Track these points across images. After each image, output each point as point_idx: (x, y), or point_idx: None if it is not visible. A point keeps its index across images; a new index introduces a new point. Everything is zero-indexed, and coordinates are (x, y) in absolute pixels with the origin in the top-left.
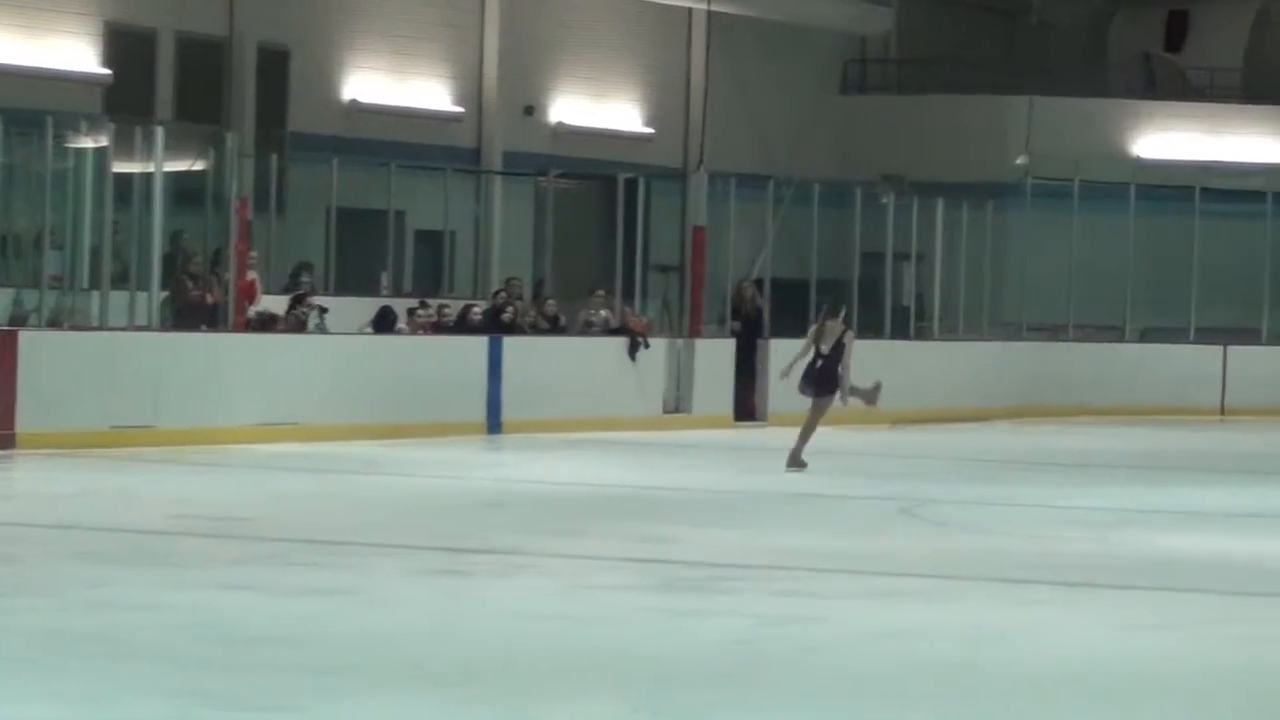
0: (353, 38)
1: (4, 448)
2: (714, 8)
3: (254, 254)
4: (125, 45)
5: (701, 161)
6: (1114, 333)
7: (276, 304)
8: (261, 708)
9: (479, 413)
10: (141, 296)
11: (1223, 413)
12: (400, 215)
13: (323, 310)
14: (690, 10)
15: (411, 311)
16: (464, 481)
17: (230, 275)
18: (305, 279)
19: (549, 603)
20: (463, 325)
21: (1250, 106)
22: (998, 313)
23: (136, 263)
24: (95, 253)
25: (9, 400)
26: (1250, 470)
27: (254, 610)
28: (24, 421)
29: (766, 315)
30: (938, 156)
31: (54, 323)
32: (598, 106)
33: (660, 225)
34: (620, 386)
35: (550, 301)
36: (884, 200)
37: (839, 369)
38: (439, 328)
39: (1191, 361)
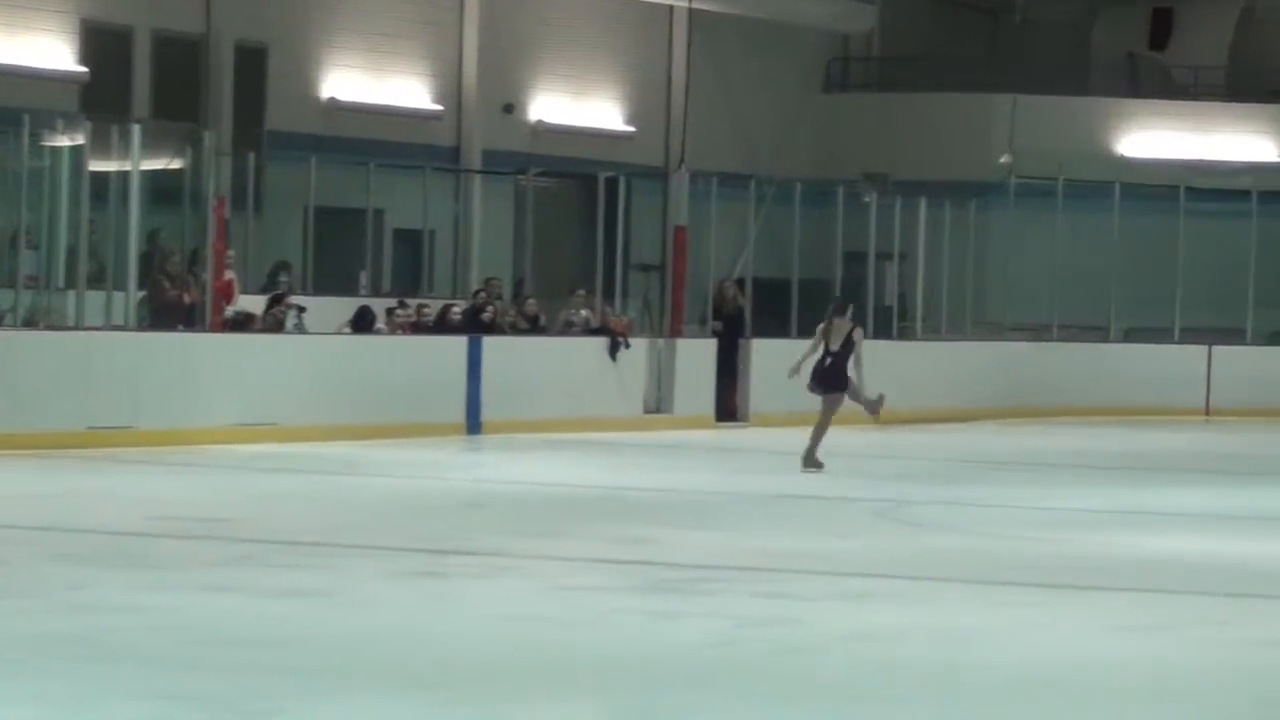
0: (331, 35)
1: None
2: (695, 5)
3: (231, 253)
4: (102, 43)
5: (683, 160)
6: (1098, 333)
7: (254, 304)
8: (243, 709)
9: (458, 413)
10: (118, 296)
11: (1207, 413)
12: (379, 214)
13: (301, 310)
14: (671, 8)
15: (390, 311)
16: (444, 482)
17: (208, 275)
18: (283, 278)
19: (529, 604)
20: (442, 325)
21: (1235, 105)
22: (981, 313)
23: (113, 262)
24: (71, 252)
25: None
26: (1235, 471)
27: (234, 612)
28: (0, 423)
29: (748, 315)
30: (921, 155)
31: (30, 323)
32: (578, 105)
33: (641, 224)
34: (601, 387)
35: (530, 301)
36: (866, 199)
37: (849, 366)
38: (418, 327)
39: (1176, 362)
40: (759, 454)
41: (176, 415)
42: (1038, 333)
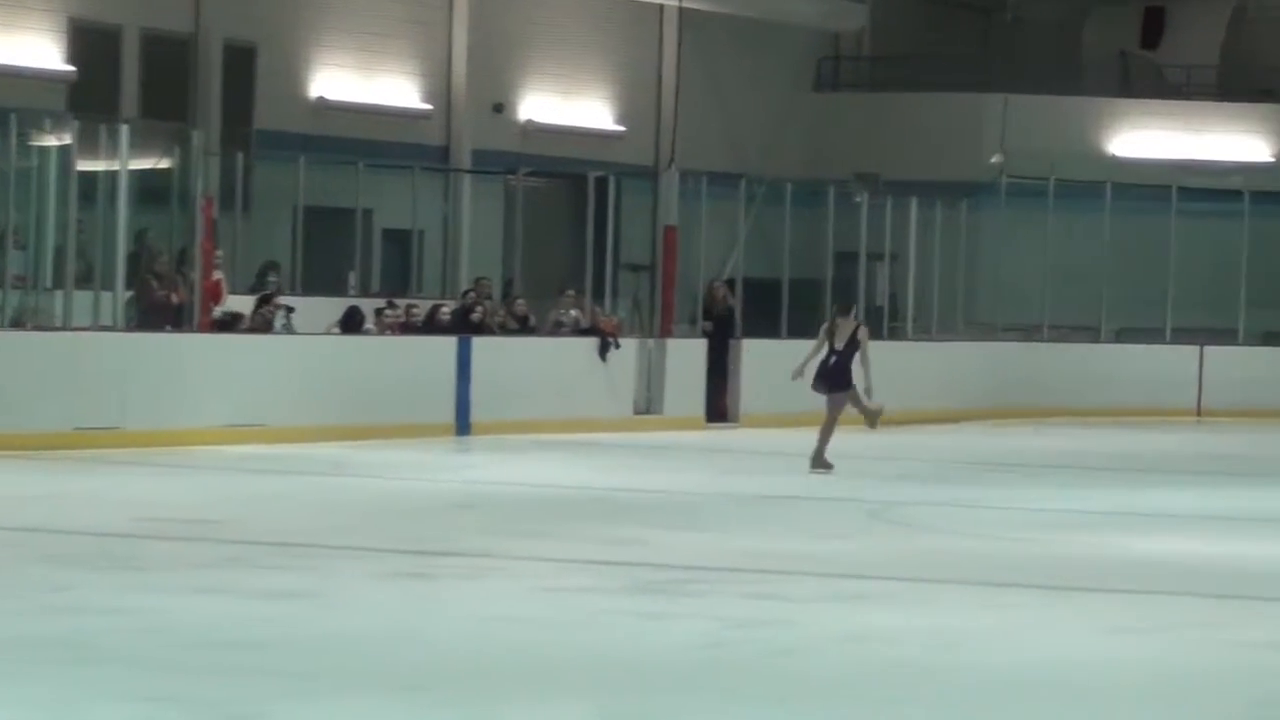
0: (320, 34)
1: None
2: (685, 4)
3: (220, 253)
4: (90, 42)
5: (673, 160)
6: (1089, 333)
7: (243, 304)
8: (229, 712)
9: (447, 414)
10: (106, 296)
11: (1199, 414)
12: (368, 214)
13: (289, 310)
14: (661, 7)
15: (379, 311)
16: (432, 483)
17: (196, 275)
18: (272, 279)
19: (517, 605)
20: (431, 325)
21: (1227, 104)
22: (972, 313)
23: (101, 262)
24: (59, 252)
25: None
26: (1227, 472)
27: (221, 614)
28: None
29: (738, 315)
30: (911, 155)
31: (17, 323)
32: (568, 104)
33: (631, 224)
34: (590, 387)
35: (520, 301)
36: (857, 199)
37: (853, 366)
38: (407, 328)
39: (1167, 362)
40: (749, 455)
41: (164, 416)
42: (1029, 333)
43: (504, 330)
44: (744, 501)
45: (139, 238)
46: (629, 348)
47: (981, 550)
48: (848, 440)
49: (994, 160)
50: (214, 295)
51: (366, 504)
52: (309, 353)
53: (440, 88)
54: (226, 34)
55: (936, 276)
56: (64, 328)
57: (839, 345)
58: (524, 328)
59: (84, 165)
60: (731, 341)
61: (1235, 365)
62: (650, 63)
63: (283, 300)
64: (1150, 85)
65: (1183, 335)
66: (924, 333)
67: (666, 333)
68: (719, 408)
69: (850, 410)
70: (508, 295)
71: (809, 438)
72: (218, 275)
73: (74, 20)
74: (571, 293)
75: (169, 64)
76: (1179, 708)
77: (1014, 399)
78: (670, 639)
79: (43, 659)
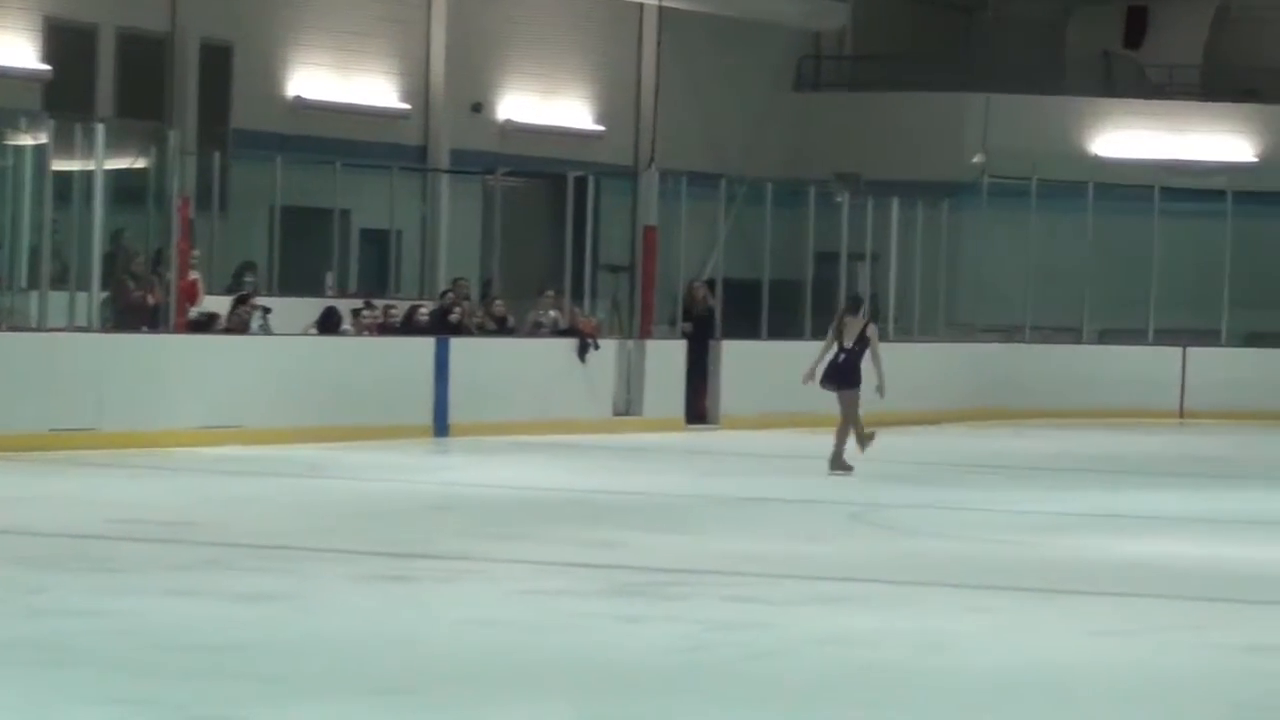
0: (297, 33)
1: None
2: (665, 3)
3: (196, 253)
4: (65, 41)
5: (652, 160)
6: (1071, 334)
7: (219, 304)
8: (205, 715)
9: (425, 415)
10: (81, 297)
11: (1181, 415)
12: (345, 214)
13: (266, 311)
14: (641, 6)
15: (357, 312)
16: (410, 485)
17: (172, 275)
18: (249, 279)
19: (496, 608)
20: (409, 326)
21: (1210, 104)
22: (953, 314)
23: (76, 262)
24: (34, 252)
25: None
26: (1210, 474)
27: (198, 616)
28: None
29: (718, 316)
30: (893, 155)
31: None
32: (547, 104)
33: (610, 224)
34: (569, 388)
35: (498, 302)
36: (838, 199)
37: (862, 363)
38: (385, 329)
39: (1150, 363)
40: (729, 456)
41: (140, 417)
42: (1010, 334)
43: (482, 331)
44: (724, 503)
45: (115, 238)
46: (608, 349)
47: (964, 552)
48: (826, 442)
49: (976, 160)
50: (190, 296)
51: (344, 506)
52: (286, 354)
53: (418, 87)
54: (203, 33)
55: (918, 277)
56: (39, 328)
57: (848, 343)
58: (502, 329)
59: (59, 165)
60: (711, 342)
61: (1218, 366)
62: (630, 62)
63: (259, 301)
64: (1133, 85)
65: (1166, 336)
66: (905, 333)
67: (646, 334)
68: (699, 409)
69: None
70: (486, 296)
71: (789, 439)
72: (194, 275)
73: (49, 19)
74: (550, 293)
75: (145, 63)
76: (1162, 710)
77: (996, 400)
78: (650, 642)
79: (17, 661)
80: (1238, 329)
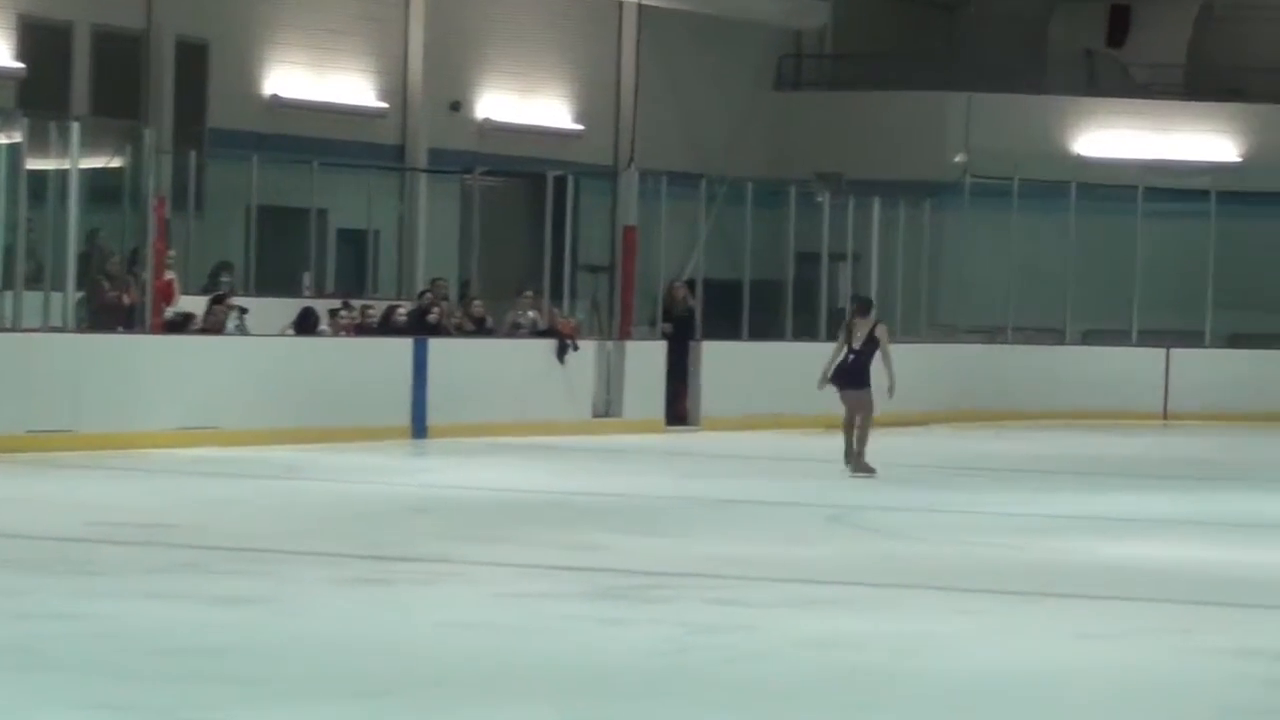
0: (274, 31)
1: None
2: (645, 1)
3: (172, 253)
4: (39, 39)
5: (632, 159)
6: (1054, 335)
7: (195, 305)
8: (185, 719)
9: (403, 416)
10: (56, 297)
11: (1165, 417)
12: (322, 214)
13: (243, 311)
14: (620, 4)
15: (334, 313)
16: (388, 487)
17: (148, 275)
18: (225, 279)
19: (475, 611)
20: (387, 327)
21: (1193, 103)
22: (935, 314)
23: (51, 262)
24: (9, 252)
25: None
26: (1196, 476)
27: (176, 619)
28: None
29: (699, 317)
30: (874, 154)
31: None
32: (526, 102)
33: (590, 224)
34: (548, 390)
35: (477, 302)
36: (819, 199)
37: (872, 364)
38: (362, 329)
39: (1133, 364)
40: (710, 458)
41: (117, 419)
42: (993, 335)
43: (460, 332)
44: (705, 505)
45: (90, 237)
46: (587, 350)
47: (947, 555)
48: (812, 444)
49: (958, 159)
50: (166, 296)
51: (322, 508)
52: (263, 354)
53: (396, 86)
54: (179, 31)
55: (899, 277)
56: (14, 329)
57: (856, 345)
58: (481, 329)
59: (34, 164)
60: (691, 343)
61: (1202, 368)
62: (609, 61)
63: (236, 301)
64: (1116, 84)
65: (1149, 337)
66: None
67: (626, 334)
68: (679, 411)
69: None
70: (464, 296)
71: (770, 441)
72: (170, 276)
73: (24, 17)
74: (529, 294)
75: (120, 61)
76: (1146, 714)
77: (977, 402)
78: (632, 645)
79: None
80: (1222, 330)
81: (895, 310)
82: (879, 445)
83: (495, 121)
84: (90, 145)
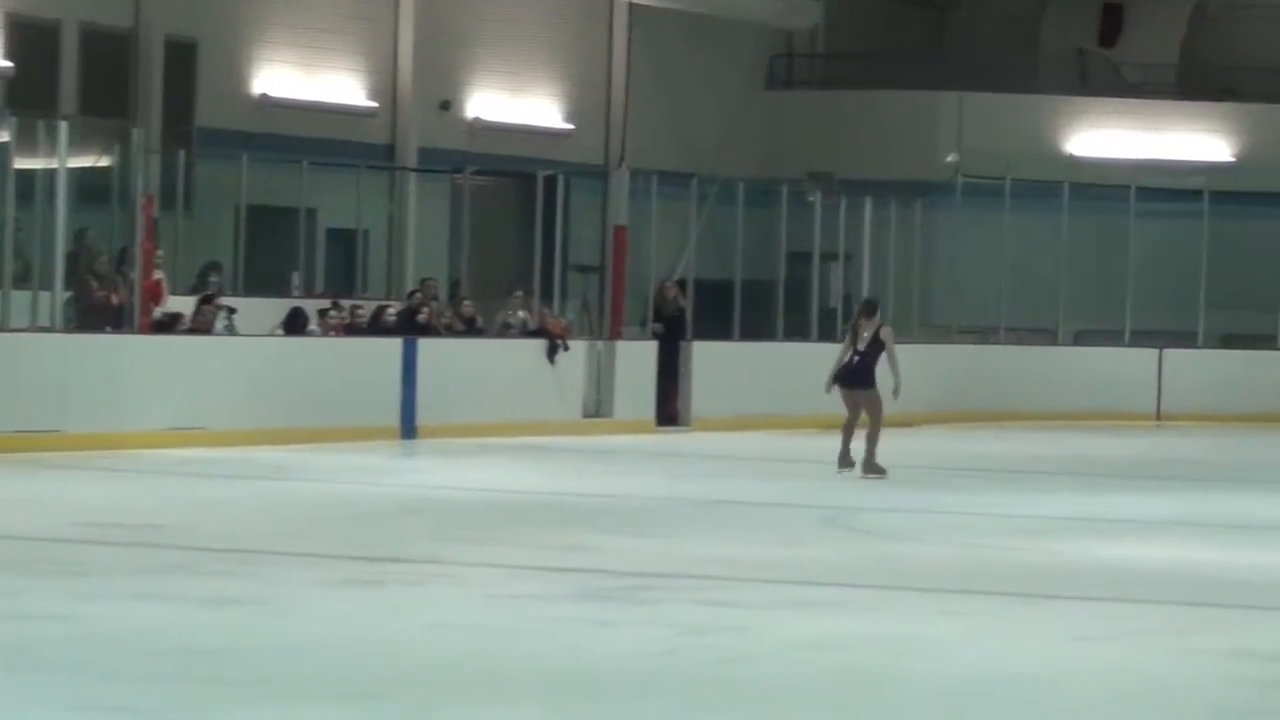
0: (263, 30)
1: None
2: (636, 0)
3: (160, 253)
4: (27, 37)
5: (623, 158)
6: (1047, 335)
7: (184, 305)
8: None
9: (393, 417)
10: (44, 296)
11: (1158, 418)
12: (312, 213)
13: (231, 311)
14: (611, 3)
15: (323, 313)
16: (378, 488)
17: (136, 275)
18: (213, 279)
19: (465, 612)
20: (376, 327)
21: (1186, 103)
22: (927, 315)
23: (39, 262)
24: None
25: None
26: (1190, 477)
27: (166, 620)
28: None
29: (689, 317)
30: (866, 154)
31: None
32: (516, 101)
33: (580, 224)
34: (539, 390)
35: (466, 302)
36: (810, 199)
37: (876, 365)
38: (352, 329)
39: (1126, 365)
40: (701, 459)
41: (105, 419)
42: (985, 335)
43: (450, 332)
44: (696, 506)
45: (78, 237)
46: (578, 350)
47: (939, 556)
48: (804, 444)
49: (949, 159)
50: (154, 296)
51: (312, 509)
52: (251, 355)
53: (386, 85)
54: (167, 29)
55: (891, 278)
56: (2, 329)
57: (861, 346)
58: (471, 329)
59: (21, 163)
60: (682, 344)
61: (1195, 368)
62: (600, 60)
63: (224, 301)
64: (1108, 84)
65: (1142, 338)
66: None
67: (616, 335)
68: (669, 411)
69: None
70: (454, 296)
71: (761, 442)
72: (158, 275)
73: (11, 15)
74: (519, 294)
75: (109, 60)
76: (1141, 716)
77: (970, 402)
78: (622, 646)
79: None
80: (1214, 330)
81: (887, 311)
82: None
83: (485, 121)
84: (78, 144)
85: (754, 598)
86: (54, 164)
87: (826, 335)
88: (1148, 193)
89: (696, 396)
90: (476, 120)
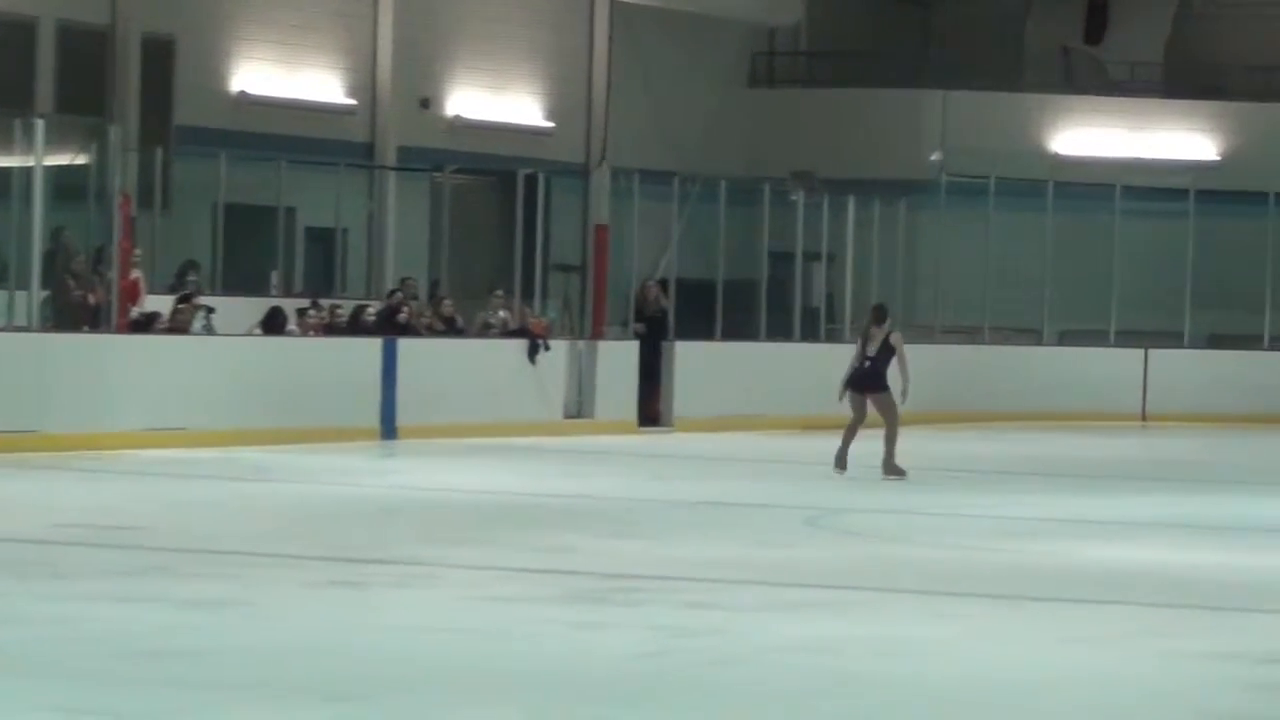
0: (241, 27)
1: None
2: None
3: (138, 252)
4: (4, 34)
5: (604, 157)
6: (1032, 335)
7: (161, 304)
8: None
9: (372, 417)
10: (21, 296)
11: (1144, 418)
12: (290, 212)
13: (209, 311)
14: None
15: (302, 312)
16: (358, 489)
17: (113, 274)
18: (191, 278)
19: (447, 615)
20: (355, 326)
21: (1172, 101)
22: (911, 314)
23: (16, 261)
24: None
25: None
26: (1176, 478)
27: (145, 622)
28: None
29: (671, 317)
30: (849, 153)
31: None
32: (496, 99)
33: (561, 223)
34: (519, 390)
35: (446, 302)
36: (793, 198)
37: (887, 369)
38: (331, 329)
39: (1112, 365)
40: (683, 460)
41: (84, 419)
42: (969, 335)
43: (430, 332)
44: (679, 508)
45: (55, 236)
46: (559, 350)
47: (926, 558)
48: (787, 444)
49: (933, 158)
50: (132, 295)
51: (292, 510)
52: (230, 354)
53: (365, 82)
54: (145, 26)
55: (875, 277)
56: None
57: (871, 352)
58: (451, 329)
59: None
60: (664, 344)
61: (1181, 368)
62: (581, 57)
63: (203, 300)
64: (1093, 82)
65: (1127, 338)
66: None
67: (598, 334)
68: (651, 412)
69: (850, 414)
70: (434, 296)
71: (743, 442)
72: (136, 274)
73: None
74: (500, 293)
75: (85, 57)
76: (1130, 718)
77: (954, 403)
78: (607, 649)
79: None
80: (1200, 330)
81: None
82: (858, 448)
83: (465, 119)
84: (55, 142)
85: (739, 600)
86: (30, 162)
87: (809, 335)
88: (1133, 192)
89: (678, 397)
90: (457, 118)
